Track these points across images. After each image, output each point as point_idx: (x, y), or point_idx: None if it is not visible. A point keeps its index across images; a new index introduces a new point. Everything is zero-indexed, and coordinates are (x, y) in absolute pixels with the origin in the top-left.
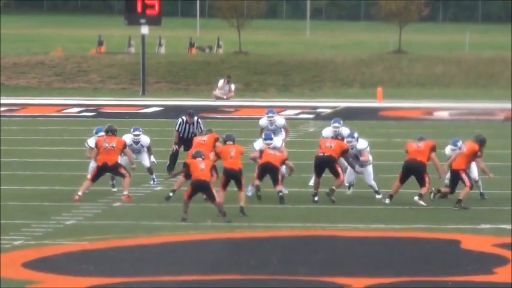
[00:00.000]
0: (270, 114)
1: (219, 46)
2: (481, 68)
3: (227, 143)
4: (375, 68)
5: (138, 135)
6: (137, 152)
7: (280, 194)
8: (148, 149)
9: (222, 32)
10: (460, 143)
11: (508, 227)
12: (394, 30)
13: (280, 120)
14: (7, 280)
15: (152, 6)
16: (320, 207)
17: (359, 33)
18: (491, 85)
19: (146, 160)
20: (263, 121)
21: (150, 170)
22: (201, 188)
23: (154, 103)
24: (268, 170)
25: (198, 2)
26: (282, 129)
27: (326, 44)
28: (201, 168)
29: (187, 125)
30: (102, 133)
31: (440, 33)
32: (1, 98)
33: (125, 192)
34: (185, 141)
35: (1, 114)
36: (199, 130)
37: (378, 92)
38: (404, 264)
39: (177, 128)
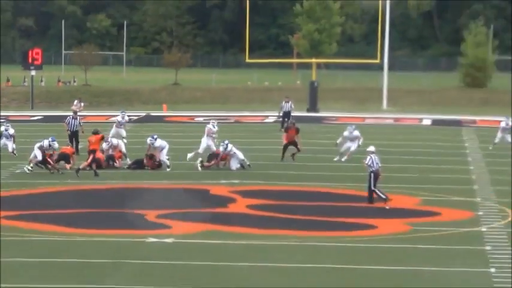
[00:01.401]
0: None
1: (74, 81)
2: None
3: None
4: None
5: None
6: (7, 138)
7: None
8: (11, 136)
9: (77, 72)
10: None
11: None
12: None
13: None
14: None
15: (37, 59)
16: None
17: None
18: None
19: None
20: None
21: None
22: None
23: (38, 114)
24: None
25: (62, 55)
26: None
27: None
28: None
29: (73, 120)
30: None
31: None
32: None
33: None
34: (73, 133)
35: None
36: (80, 124)
37: None
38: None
39: (66, 121)
